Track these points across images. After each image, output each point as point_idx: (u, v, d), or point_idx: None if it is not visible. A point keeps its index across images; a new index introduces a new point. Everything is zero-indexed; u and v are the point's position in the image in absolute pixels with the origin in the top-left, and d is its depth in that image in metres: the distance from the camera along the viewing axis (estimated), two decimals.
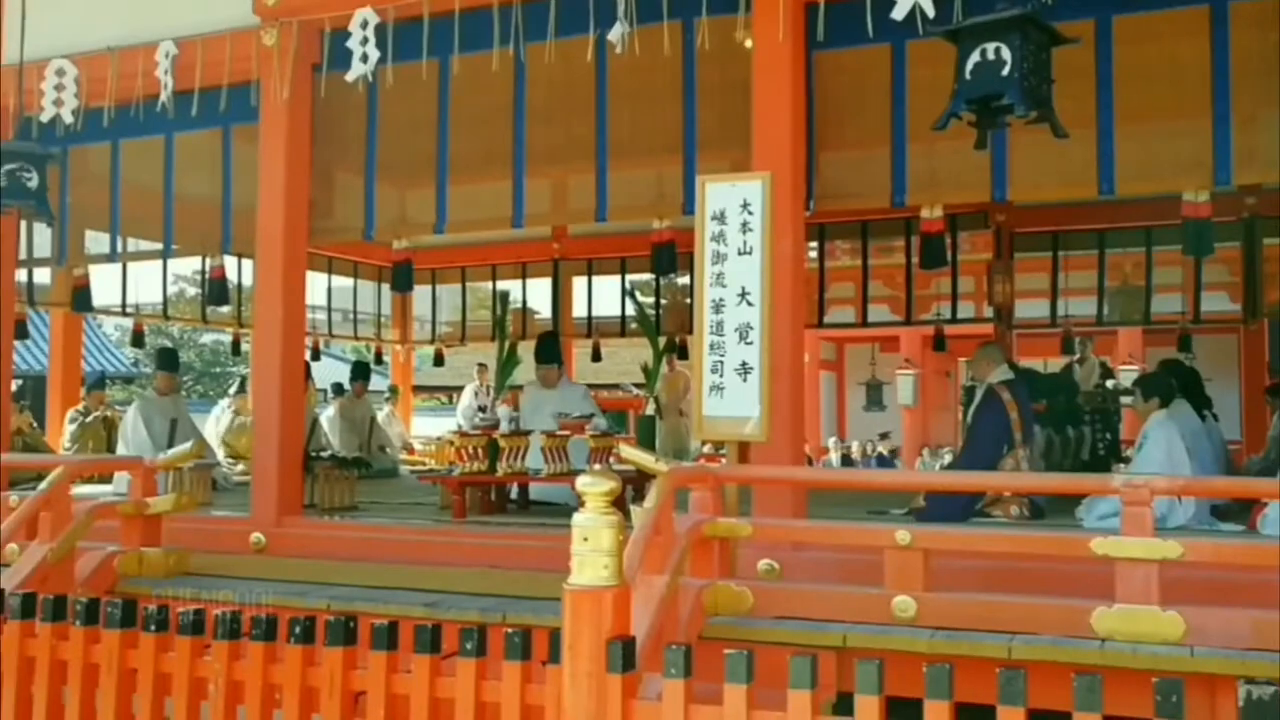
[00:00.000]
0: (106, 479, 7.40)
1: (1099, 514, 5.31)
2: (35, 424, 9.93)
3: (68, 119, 6.12)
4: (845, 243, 10.81)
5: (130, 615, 3.82)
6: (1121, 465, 8.13)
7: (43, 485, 5.15)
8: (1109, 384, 10.72)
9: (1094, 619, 3.75)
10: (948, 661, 2.94)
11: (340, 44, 5.50)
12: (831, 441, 18.30)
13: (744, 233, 4.49)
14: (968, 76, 3.99)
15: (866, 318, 11.20)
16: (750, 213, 4.49)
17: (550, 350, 7.84)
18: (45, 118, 6.16)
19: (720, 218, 4.54)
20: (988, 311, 10.73)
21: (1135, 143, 4.94)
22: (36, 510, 5.04)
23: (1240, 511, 5.41)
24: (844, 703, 3.16)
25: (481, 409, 11.31)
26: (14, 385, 8.58)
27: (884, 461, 18.22)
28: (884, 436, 19.27)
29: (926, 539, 4.08)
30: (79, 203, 7.26)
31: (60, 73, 6.12)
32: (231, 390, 10.35)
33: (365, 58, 5.33)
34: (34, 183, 5.79)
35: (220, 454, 9.12)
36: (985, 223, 9.83)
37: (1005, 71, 3.91)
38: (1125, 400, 10.04)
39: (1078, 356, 10.88)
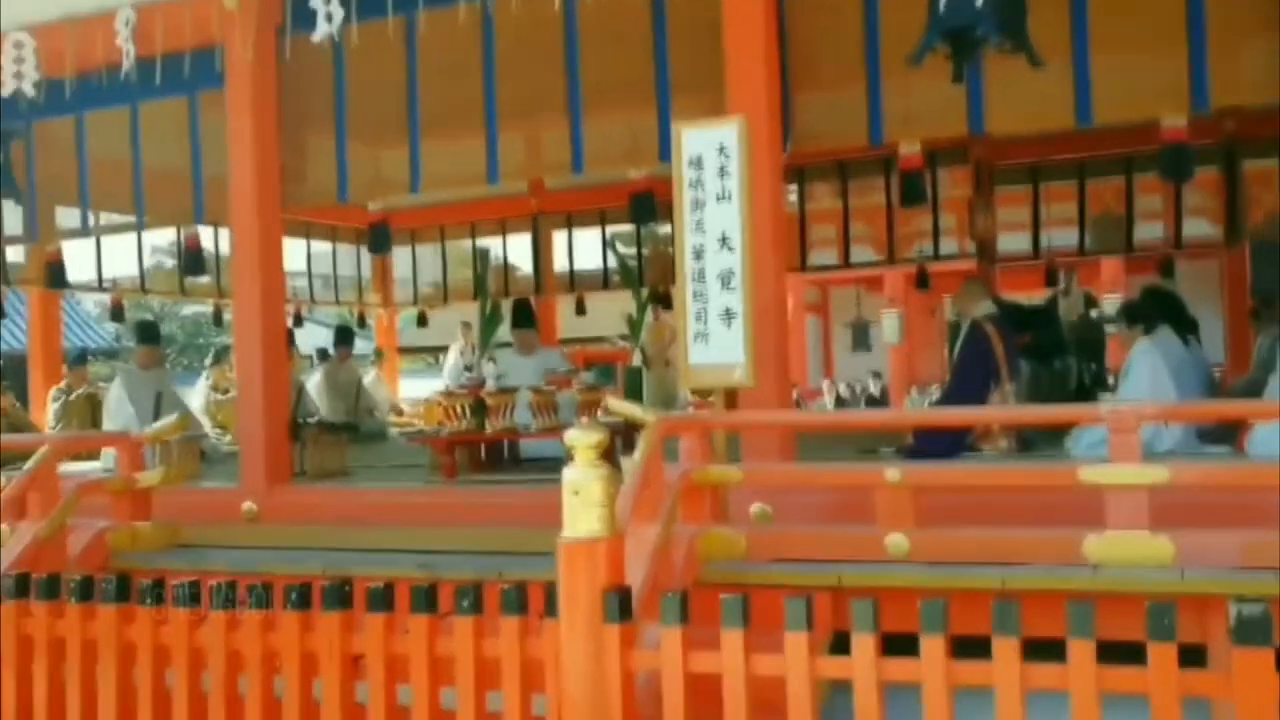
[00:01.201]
0: (94, 455, 7.37)
1: (1087, 443, 5.34)
2: (18, 404, 9.86)
3: (29, 92, 6.00)
4: (824, 184, 10.75)
5: (125, 590, 3.83)
6: (1107, 394, 8.18)
7: (29, 464, 5.12)
8: (1093, 314, 10.75)
9: (1085, 547, 3.79)
10: (942, 596, 2.97)
11: (303, 4, 5.39)
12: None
13: (721, 178, 4.46)
14: (941, 9, 3.96)
15: (849, 259, 11.14)
16: (727, 157, 4.46)
17: (526, 315, 7.96)
18: (6, 92, 6.05)
19: (697, 163, 4.51)
20: (970, 247, 10.71)
21: (1111, 70, 4.92)
22: (24, 490, 5.03)
23: (1227, 434, 5.46)
24: (841, 642, 3.20)
25: (468, 368, 11.30)
26: None
27: (874, 402, 18.30)
28: (876, 375, 19.35)
29: (916, 476, 4.11)
30: (46, 178, 7.17)
31: (18, 45, 5.99)
32: (208, 361, 10.29)
33: (330, 17, 5.23)
34: None
35: (207, 425, 9.09)
36: (964, 158, 9.78)
37: (979, 2, 3.86)
38: (1109, 329, 10.08)
39: (1061, 288, 10.89)
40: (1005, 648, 2.85)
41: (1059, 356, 8.64)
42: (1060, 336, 9.11)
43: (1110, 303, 13.29)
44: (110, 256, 10.26)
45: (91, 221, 7.48)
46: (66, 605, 3.90)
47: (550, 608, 3.29)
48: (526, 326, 7.94)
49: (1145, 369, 5.64)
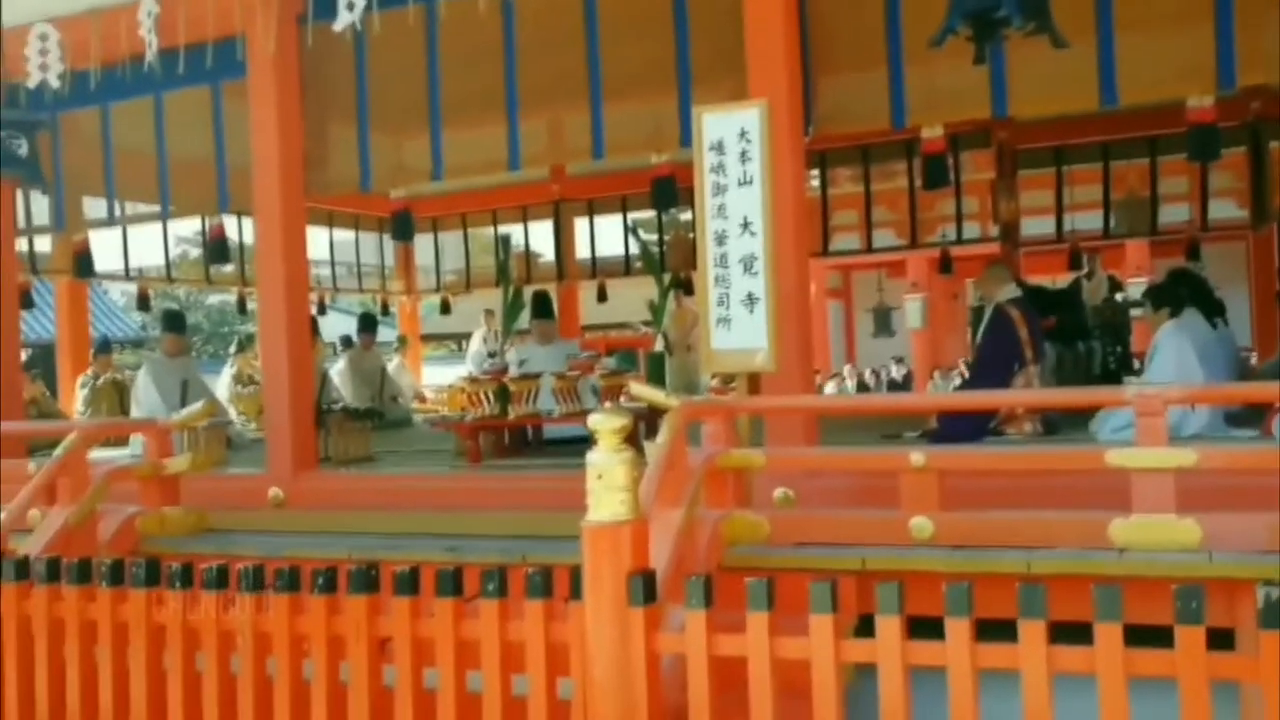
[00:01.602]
0: (122, 442, 7.43)
1: (1113, 427, 5.31)
2: (47, 392, 9.97)
3: (54, 84, 6.04)
4: (846, 169, 10.70)
5: (155, 574, 3.86)
6: (1132, 378, 8.11)
7: (58, 451, 5.17)
8: (1118, 297, 10.67)
9: (1112, 530, 3.77)
10: (967, 579, 2.96)
11: None
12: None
13: (743, 162, 4.45)
14: None
15: (871, 243, 11.11)
16: (748, 141, 4.45)
17: (546, 307, 8.01)
18: (32, 84, 6.08)
19: (719, 148, 4.50)
20: (993, 231, 10.64)
21: (1136, 49, 4.86)
22: (54, 476, 5.07)
23: (1254, 417, 5.40)
24: (866, 625, 3.19)
25: (491, 354, 11.32)
26: (24, 355, 8.60)
27: (897, 387, 18.22)
28: (899, 361, 19.26)
29: (941, 460, 4.09)
30: (73, 168, 7.21)
31: (43, 37, 6.02)
32: (232, 350, 10.35)
33: (351, 6, 5.22)
34: (24, 150, 5.75)
35: (232, 412, 9.16)
36: (987, 141, 9.70)
37: None
38: (1135, 313, 10.00)
39: (1085, 271, 10.81)
40: (1031, 631, 2.83)
41: (1083, 340, 8.58)
42: (1084, 320, 9.04)
43: (1135, 286, 13.17)
44: (136, 246, 10.35)
45: (118, 211, 7.53)
46: (98, 589, 3.93)
47: (575, 591, 3.30)
48: (546, 317, 7.98)
49: (1172, 352, 5.59)
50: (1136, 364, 9.28)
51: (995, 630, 2.93)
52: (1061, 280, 10.89)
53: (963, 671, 2.89)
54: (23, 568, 4.09)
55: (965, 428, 5.60)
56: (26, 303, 9.02)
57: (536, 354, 7.65)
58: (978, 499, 4.16)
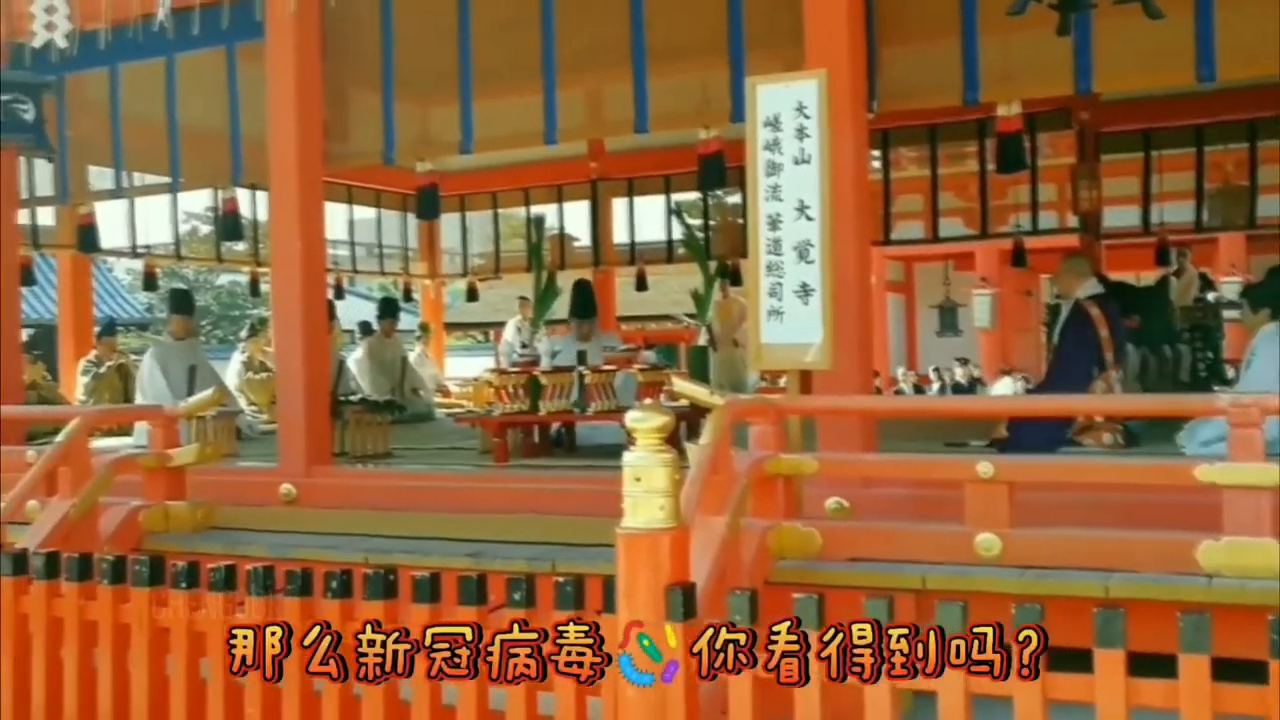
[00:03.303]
0: (126, 431, 7.54)
1: (1202, 439, 5.24)
2: (49, 375, 10.13)
3: (61, 44, 6.12)
4: (912, 150, 10.63)
5: (159, 572, 3.90)
6: (1224, 387, 8.00)
7: (59, 438, 5.25)
8: (1210, 297, 10.52)
9: (1200, 553, 3.72)
10: (1037, 602, 2.92)
11: None
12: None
13: (800, 139, 4.41)
14: None
15: (937, 232, 11.01)
16: (806, 116, 4.41)
17: (588, 303, 7.85)
18: (38, 43, 6.17)
19: (773, 123, 4.46)
20: (1072, 221, 10.54)
21: (1238, 20, 4.79)
22: (55, 465, 5.15)
23: None
24: None
25: (524, 345, 11.37)
26: (24, 336, 8.74)
27: (962, 391, 18.12)
28: (963, 362, 19.11)
29: (1011, 471, 4.05)
30: (79, 135, 7.31)
31: None
32: (243, 334, 10.47)
33: None
34: (30, 115, 5.83)
35: (242, 401, 9.26)
36: (1068, 122, 9.61)
37: None
38: (1229, 314, 9.86)
39: (1174, 268, 10.67)
40: (1109, 661, 2.80)
41: (1170, 343, 8.47)
42: (1172, 321, 8.93)
43: (1229, 285, 12.99)
44: (144, 221, 10.48)
45: (125, 182, 7.63)
46: (98, 587, 3.98)
47: (608, 604, 3.30)
48: (588, 316, 7.84)
49: (1271, 357, 5.51)
50: (1230, 371, 9.16)
51: (1067, 659, 2.90)
52: (1147, 277, 10.75)
53: (1031, 702, 2.86)
54: (20, 562, 4.15)
55: (1038, 436, 5.55)
56: (28, 279, 9.17)
57: (570, 346, 7.64)
58: (1050, 515, 4.12)
